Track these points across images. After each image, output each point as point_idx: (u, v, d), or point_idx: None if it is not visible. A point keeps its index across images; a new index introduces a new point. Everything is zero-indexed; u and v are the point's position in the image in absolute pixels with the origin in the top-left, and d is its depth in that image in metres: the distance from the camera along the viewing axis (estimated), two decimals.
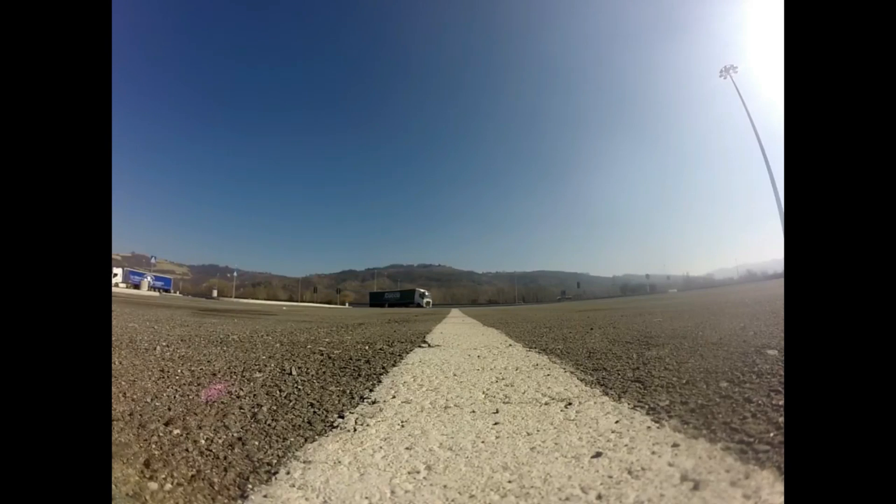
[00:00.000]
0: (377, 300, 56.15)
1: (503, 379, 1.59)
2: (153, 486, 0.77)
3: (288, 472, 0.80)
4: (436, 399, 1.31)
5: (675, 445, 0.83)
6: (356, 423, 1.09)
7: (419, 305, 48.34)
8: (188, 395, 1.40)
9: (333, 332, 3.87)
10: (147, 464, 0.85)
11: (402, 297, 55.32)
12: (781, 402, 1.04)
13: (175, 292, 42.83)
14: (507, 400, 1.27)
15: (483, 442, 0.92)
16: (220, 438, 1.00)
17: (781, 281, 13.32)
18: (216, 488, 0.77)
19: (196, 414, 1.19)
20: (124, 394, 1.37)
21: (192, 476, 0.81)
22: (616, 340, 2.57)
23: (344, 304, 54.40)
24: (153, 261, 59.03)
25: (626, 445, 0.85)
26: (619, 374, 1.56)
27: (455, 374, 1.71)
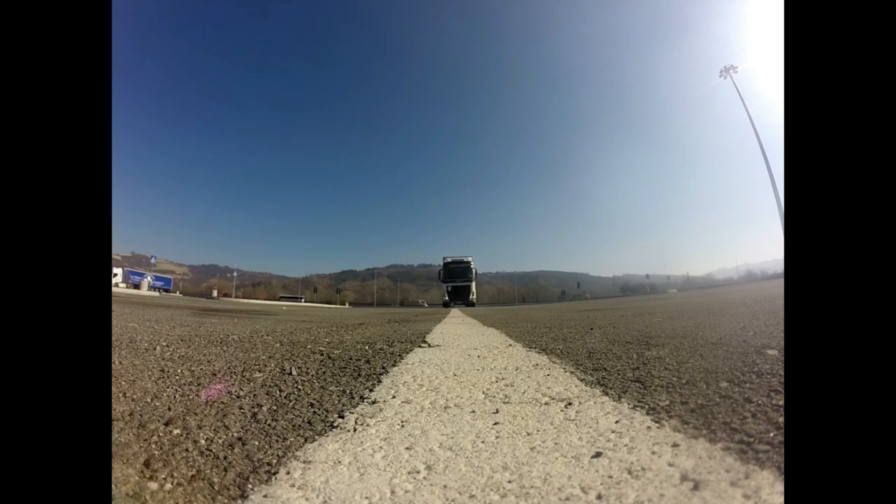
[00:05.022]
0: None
1: (503, 379, 1.58)
2: (153, 486, 0.77)
3: (288, 472, 0.80)
4: (436, 399, 1.31)
5: (675, 445, 0.83)
6: (356, 423, 1.09)
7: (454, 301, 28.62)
8: (188, 395, 1.40)
9: (333, 332, 3.87)
10: (147, 464, 0.85)
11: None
12: (781, 402, 1.04)
13: (175, 292, 42.87)
14: (507, 400, 1.27)
15: (483, 442, 0.92)
16: (220, 438, 1.00)
17: (781, 281, 13.31)
18: (216, 488, 0.77)
19: (196, 414, 1.19)
20: (124, 394, 1.37)
21: (192, 476, 0.81)
22: (616, 340, 2.57)
23: (344, 304, 53.95)
24: (153, 261, 59.01)
25: (626, 445, 0.85)
26: (619, 374, 1.56)
27: (455, 374, 1.71)
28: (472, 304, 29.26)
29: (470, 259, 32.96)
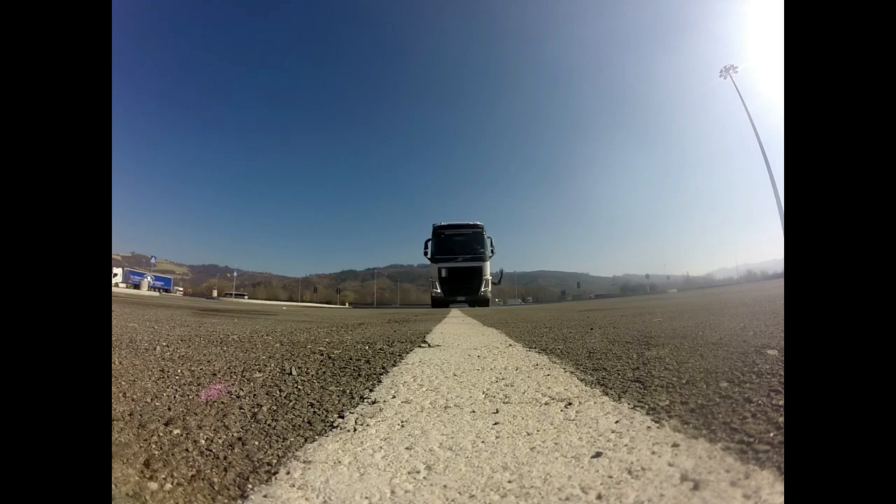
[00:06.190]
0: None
1: (503, 379, 1.58)
2: (153, 486, 0.77)
3: (288, 472, 0.80)
4: (436, 399, 1.31)
5: (675, 445, 0.83)
6: (356, 423, 1.09)
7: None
8: (188, 395, 1.40)
9: (333, 332, 3.87)
10: (147, 464, 0.85)
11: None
12: (781, 402, 1.04)
13: (176, 293, 42.95)
14: (506, 400, 1.27)
15: (483, 442, 0.92)
16: (220, 438, 1.00)
17: (781, 281, 13.29)
18: (216, 488, 0.77)
19: (196, 414, 1.19)
20: (124, 394, 1.37)
21: (192, 476, 0.81)
22: (616, 340, 2.57)
23: (344, 304, 53.84)
24: (153, 261, 59.07)
25: (626, 445, 0.85)
26: (618, 374, 1.56)
27: (455, 374, 1.71)
28: (484, 302, 16.93)
29: (480, 225, 18.37)
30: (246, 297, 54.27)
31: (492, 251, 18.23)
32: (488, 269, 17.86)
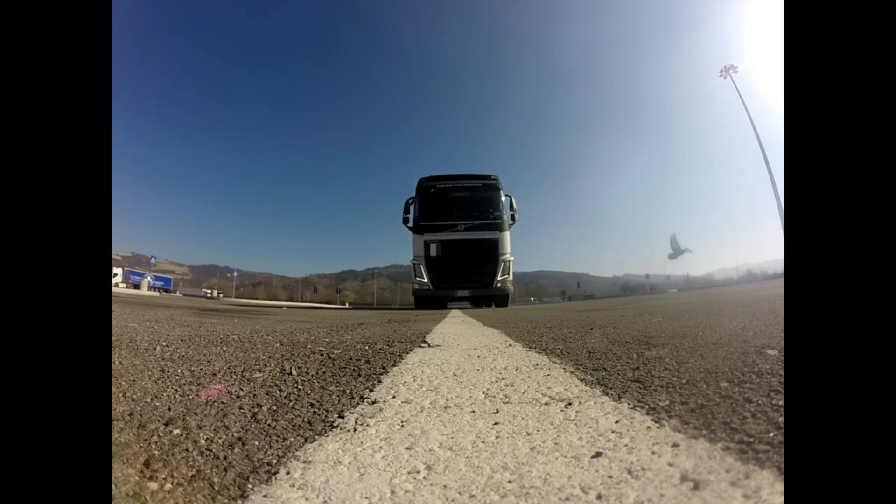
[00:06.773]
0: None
1: (503, 379, 1.58)
2: (153, 486, 0.77)
3: (288, 472, 0.80)
4: (436, 399, 1.31)
5: (675, 445, 0.83)
6: (356, 423, 1.09)
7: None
8: (188, 395, 1.40)
9: (333, 332, 3.87)
10: (147, 464, 0.85)
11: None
12: (781, 402, 1.04)
13: (176, 292, 43.02)
14: (507, 400, 1.27)
15: (483, 442, 0.92)
16: (220, 438, 1.00)
17: (781, 281, 13.27)
18: (216, 488, 0.77)
19: (196, 414, 1.19)
20: (124, 394, 1.37)
21: (192, 476, 0.81)
22: (616, 340, 2.57)
23: (344, 305, 53.70)
24: (153, 261, 59.10)
25: (626, 445, 0.85)
26: (619, 374, 1.56)
27: (455, 374, 1.71)
28: (501, 300, 11.95)
29: (494, 177, 12.47)
30: (222, 295, 53.04)
31: (512, 217, 12.19)
32: (508, 243, 11.61)
